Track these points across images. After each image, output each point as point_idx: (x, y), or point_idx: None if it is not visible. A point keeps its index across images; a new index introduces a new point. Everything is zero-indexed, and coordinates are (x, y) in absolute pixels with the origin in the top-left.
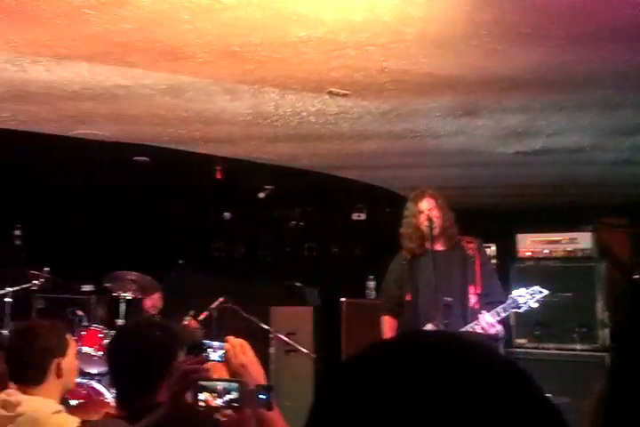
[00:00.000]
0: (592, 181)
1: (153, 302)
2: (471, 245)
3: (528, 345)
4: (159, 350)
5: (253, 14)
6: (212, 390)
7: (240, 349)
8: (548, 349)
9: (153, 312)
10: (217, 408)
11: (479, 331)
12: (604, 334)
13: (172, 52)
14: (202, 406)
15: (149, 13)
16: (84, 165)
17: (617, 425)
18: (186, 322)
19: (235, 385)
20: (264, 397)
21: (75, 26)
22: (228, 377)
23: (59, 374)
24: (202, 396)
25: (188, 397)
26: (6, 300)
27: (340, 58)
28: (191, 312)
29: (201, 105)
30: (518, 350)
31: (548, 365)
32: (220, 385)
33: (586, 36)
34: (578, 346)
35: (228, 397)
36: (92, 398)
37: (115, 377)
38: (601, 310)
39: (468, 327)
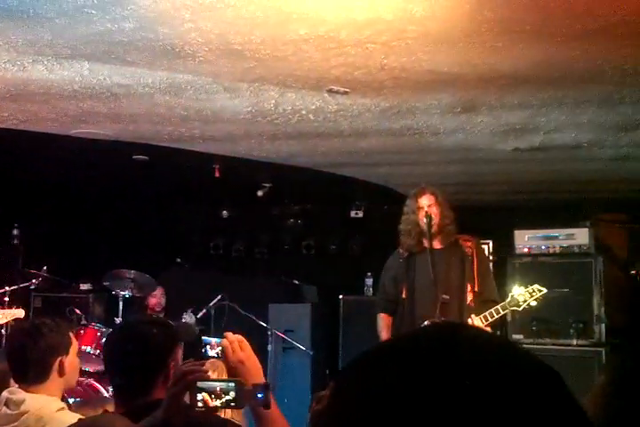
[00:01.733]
0: (590, 178)
1: (157, 300)
2: (469, 244)
3: (525, 341)
4: (155, 348)
5: (254, 13)
6: (210, 391)
7: (238, 345)
8: (545, 344)
9: (158, 309)
10: (215, 409)
11: None
12: (601, 329)
13: (172, 50)
14: (200, 407)
15: (150, 12)
16: (84, 165)
17: (616, 419)
18: (184, 319)
19: (232, 385)
20: (261, 395)
21: (76, 25)
22: (226, 374)
23: (61, 373)
24: (200, 397)
25: (187, 398)
26: (5, 299)
27: (341, 56)
28: (190, 310)
29: (201, 103)
30: None
31: (545, 360)
32: (218, 386)
33: (586, 33)
34: (574, 341)
35: (226, 397)
36: (91, 397)
37: (111, 374)
38: (597, 306)
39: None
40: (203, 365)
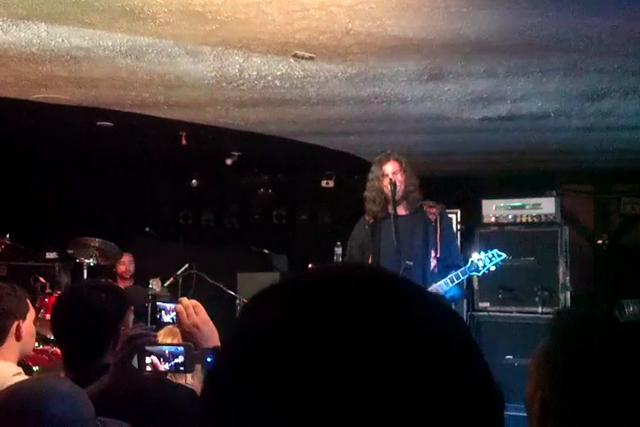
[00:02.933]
0: (557, 148)
1: (126, 267)
2: (433, 210)
3: (491, 308)
4: (104, 313)
5: None
6: (158, 355)
7: (193, 310)
8: (511, 312)
9: (126, 276)
10: (165, 373)
11: None
12: (566, 297)
13: (131, 11)
14: (148, 372)
15: None
16: (47, 131)
17: (560, 379)
18: (151, 286)
19: (181, 349)
20: (211, 360)
21: None
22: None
23: (18, 337)
24: (148, 360)
25: (135, 362)
26: None
27: (305, 19)
28: (157, 278)
29: (163, 68)
30: (481, 313)
31: (511, 327)
32: (166, 350)
33: None
34: (540, 309)
35: (174, 361)
36: (55, 364)
37: (59, 340)
38: (563, 275)
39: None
40: (152, 329)
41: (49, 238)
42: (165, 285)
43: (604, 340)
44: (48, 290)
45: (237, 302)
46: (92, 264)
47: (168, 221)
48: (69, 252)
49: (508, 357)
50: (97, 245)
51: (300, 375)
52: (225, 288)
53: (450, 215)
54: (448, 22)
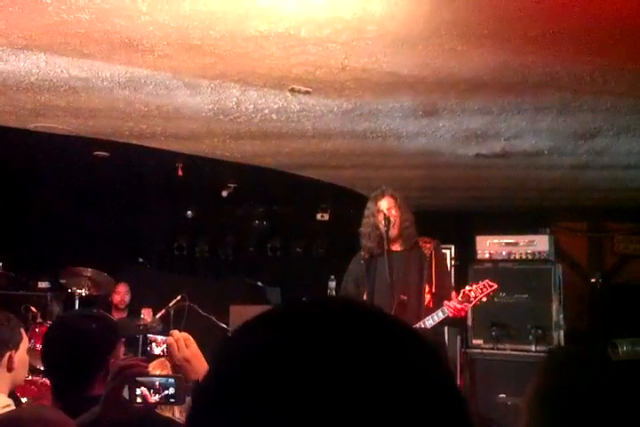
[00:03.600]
0: (551, 185)
1: (121, 297)
2: (428, 246)
3: (484, 346)
4: (94, 343)
5: (213, 7)
6: (149, 386)
7: (183, 342)
8: (504, 349)
9: (121, 307)
10: (155, 404)
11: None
12: (559, 335)
13: (130, 44)
14: (139, 403)
15: (106, 4)
16: (43, 160)
17: (552, 416)
18: (142, 316)
19: (172, 381)
20: None
21: (31, 15)
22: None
23: (10, 368)
24: (139, 391)
25: (126, 393)
26: None
27: (301, 54)
28: (149, 308)
29: (161, 99)
30: (475, 350)
31: (504, 365)
32: (157, 381)
33: (544, 38)
34: (533, 347)
35: (165, 393)
36: (43, 395)
37: (49, 369)
38: (556, 313)
39: (420, 324)
40: (143, 360)
41: (41, 268)
42: (157, 316)
43: (596, 378)
44: (39, 320)
45: (229, 334)
46: (83, 294)
47: (162, 251)
48: (62, 281)
49: (501, 395)
50: (89, 275)
51: (280, 398)
52: (217, 321)
53: (444, 251)
54: (442, 60)
